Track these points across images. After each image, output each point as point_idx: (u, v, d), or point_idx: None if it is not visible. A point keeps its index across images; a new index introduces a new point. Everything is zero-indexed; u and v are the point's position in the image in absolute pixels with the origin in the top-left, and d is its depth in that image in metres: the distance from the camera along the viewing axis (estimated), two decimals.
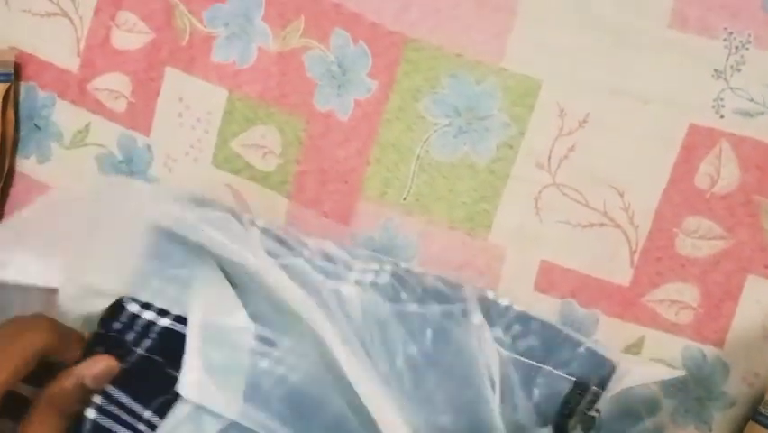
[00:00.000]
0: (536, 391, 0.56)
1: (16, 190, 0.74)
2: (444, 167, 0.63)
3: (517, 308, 0.59)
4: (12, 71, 0.72)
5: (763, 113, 0.57)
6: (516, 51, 0.61)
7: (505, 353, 0.57)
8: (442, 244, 0.64)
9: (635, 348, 0.60)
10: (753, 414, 0.58)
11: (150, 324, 0.54)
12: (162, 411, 0.51)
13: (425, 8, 0.63)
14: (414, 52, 0.63)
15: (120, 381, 0.51)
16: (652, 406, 0.60)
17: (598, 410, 0.56)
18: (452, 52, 0.62)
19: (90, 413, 0.50)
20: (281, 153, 0.67)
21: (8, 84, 0.72)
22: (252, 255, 0.55)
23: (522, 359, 0.57)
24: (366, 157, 0.65)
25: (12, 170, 0.74)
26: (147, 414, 0.51)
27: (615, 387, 0.56)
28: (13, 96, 0.72)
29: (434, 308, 0.58)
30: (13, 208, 0.74)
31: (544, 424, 0.56)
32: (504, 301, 0.59)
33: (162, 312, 0.54)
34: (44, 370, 0.49)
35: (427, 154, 0.63)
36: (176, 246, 0.56)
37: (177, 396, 0.51)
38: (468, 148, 0.63)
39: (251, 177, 0.68)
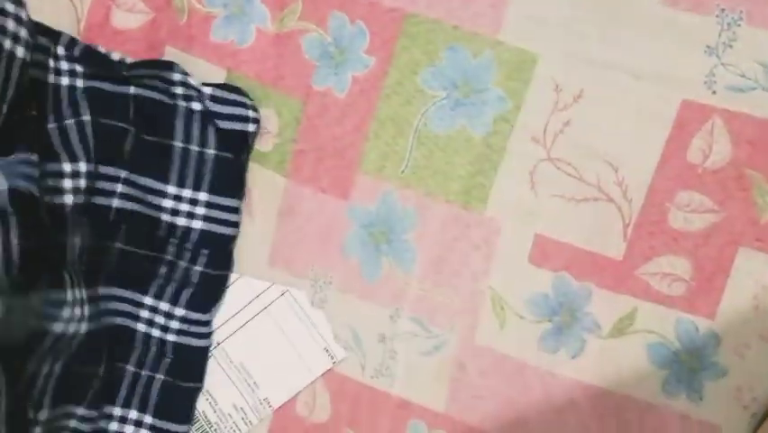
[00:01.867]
0: None
1: None
2: (442, 140, 0.64)
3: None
4: None
5: (754, 88, 0.58)
6: (512, 24, 0.62)
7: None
8: (439, 216, 0.64)
9: (627, 320, 0.61)
10: None
11: None
12: None
13: None
14: (412, 26, 0.64)
15: None
16: None
17: None
18: (450, 24, 0.63)
19: None
20: (278, 134, 0.68)
21: None
22: None
23: None
24: (364, 132, 0.66)
25: None
26: None
27: None
28: None
29: None
30: None
31: None
32: None
33: None
34: None
35: (425, 127, 0.64)
36: None
37: None
38: (465, 121, 0.63)
39: (250, 157, 0.69)
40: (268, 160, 0.68)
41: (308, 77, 0.67)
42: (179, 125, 0.67)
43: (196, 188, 0.67)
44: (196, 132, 0.67)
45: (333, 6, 0.66)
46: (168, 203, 0.67)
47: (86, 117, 0.65)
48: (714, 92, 0.59)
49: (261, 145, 0.68)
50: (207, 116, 0.67)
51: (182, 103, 0.67)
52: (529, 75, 0.62)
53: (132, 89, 0.67)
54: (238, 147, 0.67)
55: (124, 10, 0.71)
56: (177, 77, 0.66)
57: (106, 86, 0.67)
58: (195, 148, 0.67)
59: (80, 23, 0.72)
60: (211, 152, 0.67)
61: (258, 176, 0.69)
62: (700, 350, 0.60)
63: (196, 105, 0.67)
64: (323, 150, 0.67)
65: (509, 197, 0.63)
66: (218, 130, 0.67)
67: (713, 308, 0.60)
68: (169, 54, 0.70)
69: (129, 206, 0.68)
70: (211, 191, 0.67)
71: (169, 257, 0.68)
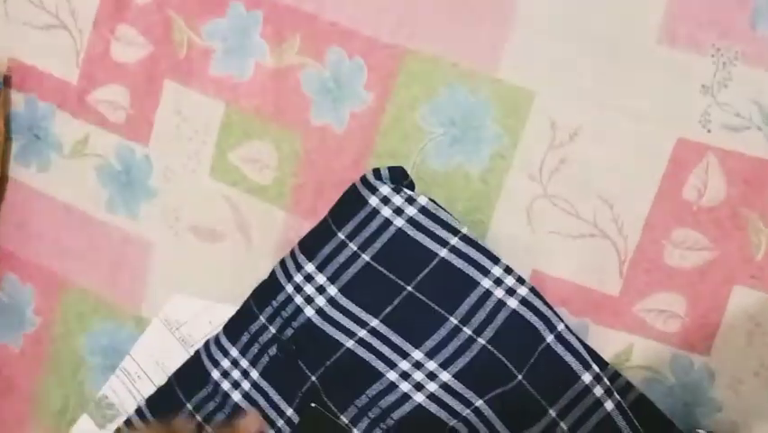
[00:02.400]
0: None
1: (15, 199, 0.75)
2: (440, 176, 0.65)
3: None
4: (1, 80, 0.73)
5: (749, 127, 0.59)
6: (510, 62, 0.63)
7: None
8: None
9: (624, 355, 0.62)
10: None
11: None
12: None
13: (422, 20, 0.65)
14: (411, 63, 0.65)
15: None
16: None
17: None
18: (449, 62, 0.64)
19: None
20: (278, 167, 0.68)
21: None
22: None
23: None
24: (362, 166, 0.66)
25: (4, 177, 0.75)
26: None
27: None
28: (2, 105, 0.74)
29: None
30: (10, 215, 0.75)
31: None
32: None
33: None
34: None
35: (423, 164, 0.65)
36: None
37: None
38: (462, 158, 0.64)
39: (248, 189, 0.69)
40: (267, 193, 0.69)
41: (306, 111, 0.67)
42: (467, 306, 0.61)
43: (443, 366, 0.61)
44: (479, 319, 0.61)
45: (331, 42, 0.67)
46: (404, 364, 0.62)
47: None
48: (709, 130, 0.60)
49: (260, 178, 0.69)
50: (513, 317, 0.60)
51: (498, 292, 0.61)
52: (526, 112, 0.63)
53: (443, 252, 0.62)
54: (514, 351, 0.60)
55: (124, 43, 0.71)
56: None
57: (420, 237, 0.62)
58: (466, 331, 0.61)
59: (79, 55, 0.72)
60: (480, 341, 0.61)
61: (257, 209, 0.69)
62: (695, 385, 0.61)
63: (512, 302, 0.60)
64: (322, 183, 0.67)
65: (507, 233, 0.64)
66: (502, 332, 0.61)
67: (708, 345, 0.60)
68: (168, 87, 0.70)
69: (360, 351, 0.63)
70: (456, 376, 0.61)
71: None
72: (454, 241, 0.61)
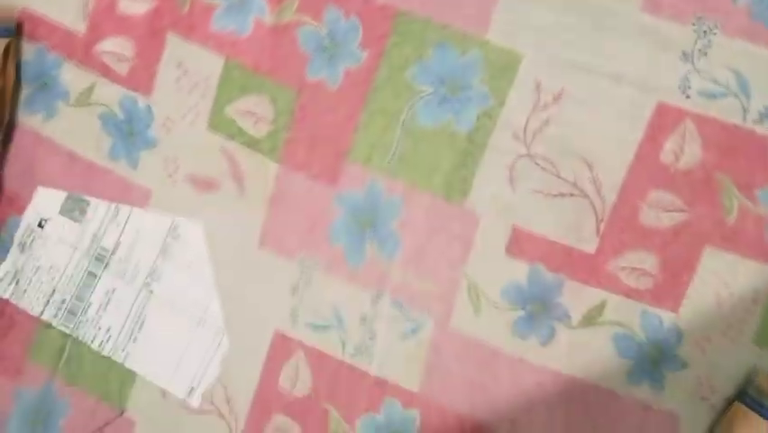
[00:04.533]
0: None
1: (23, 144, 0.78)
2: (427, 134, 0.67)
3: None
4: (13, 27, 0.76)
5: (726, 95, 0.61)
6: (498, 25, 0.65)
7: None
8: (423, 207, 0.67)
9: (596, 311, 0.64)
10: (740, 396, 0.61)
11: None
12: None
13: None
14: (403, 24, 0.67)
15: None
16: None
17: None
18: (439, 23, 0.66)
19: None
20: (273, 121, 0.71)
21: (9, 39, 0.75)
22: None
23: None
24: (354, 123, 0.68)
25: (12, 124, 0.78)
26: None
27: None
28: (13, 52, 0.76)
29: None
30: (17, 160, 0.78)
31: None
32: None
33: None
34: None
35: (412, 121, 0.67)
36: None
37: None
38: (450, 116, 0.66)
39: (244, 142, 0.71)
40: (261, 145, 0.71)
41: (302, 67, 0.70)
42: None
43: None
44: None
45: (329, 0, 0.69)
46: None
47: None
48: (688, 96, 0.62)
49: (255, 131, 0.71)
50: None
51: None
52: (513, 74, 0.65)
53: None
54: None
55: None
56: None
57: None
58: None
59: (87, 6, 0.75)
60: None
61: (250, 161, 0.71)
62: (664, 342, 0.63)
63: None
64: (314, 138, 0.70)
65: (489, 190, 0.66)
66: None
67: (677, 303, 0.63)
68: (170, 41, 0.72)
69: None
70: None
71: None
72: None
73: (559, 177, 0.64)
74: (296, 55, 0.70)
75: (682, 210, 0.62)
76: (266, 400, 0.72)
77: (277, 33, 0.70)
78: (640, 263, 0.63)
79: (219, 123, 0.72)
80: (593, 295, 0.64)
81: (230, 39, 0.71)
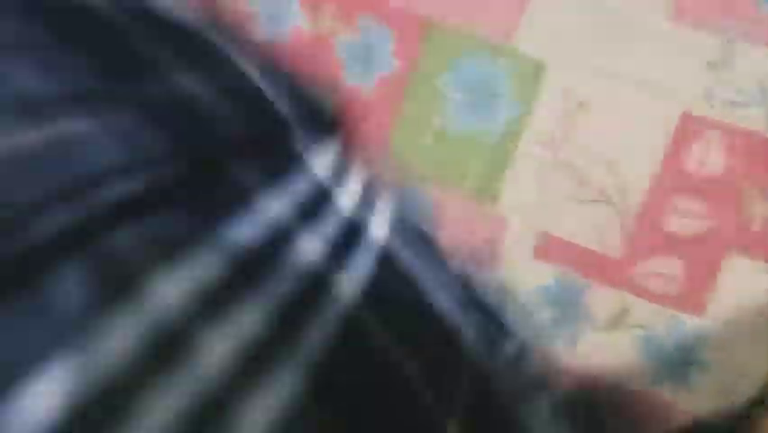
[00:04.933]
0: None
1: None
2: (459, 141, 0.69)
3: None
4: None
5: (750, 104, 0.62)
6: (526, 34, 0.67)
7: None
8: (454, 211, 0.69)
9: (621, 314, 0.65)
10: (763, 399, 0.62)
11: None
12: None
13: None
14: (434, 32, 0.69)
15: None
16: None
17: None
18: (468, 32, 0.68)
19: None
20: None
21: None
22: None
23: None
24: (387, 129, 0.71)
25: None
26: None
27: None
28: None
29: None
30: None
31: None
32: None
33: None
34: None
35: (443, 128, 0.69)
36: None
37: None
38: (480, 123, 0.68)
39: None
40: None
41: (338, 75, 0.72)
42: None
43: None
44: None
45: (362, 9, 0.71)
46: None
47: None
48: (712, 105, 0.63)
49: None
50: None
51: None
52: (540, 82, 0.66)
53: None
54: None
55: None
56: None
57: None
58: None
59: None
60: None
61: None
62: (688, 346, 0.64)
63: None
64: (348, 144, 0.72)
65: (518, 195, 0.68)
66: None
67: (702, 308, 0.64)
68: None
69: None
70: None
71: None
72: None
73: (585, 183, 0.66)
74: (331, 62, 0.72)
75: (706, 217, 0.63)
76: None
77: (314, 41, 0.72)
78: (665, 269, 0.64)
79: None
80: (619, 299, 0.65)
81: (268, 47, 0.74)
